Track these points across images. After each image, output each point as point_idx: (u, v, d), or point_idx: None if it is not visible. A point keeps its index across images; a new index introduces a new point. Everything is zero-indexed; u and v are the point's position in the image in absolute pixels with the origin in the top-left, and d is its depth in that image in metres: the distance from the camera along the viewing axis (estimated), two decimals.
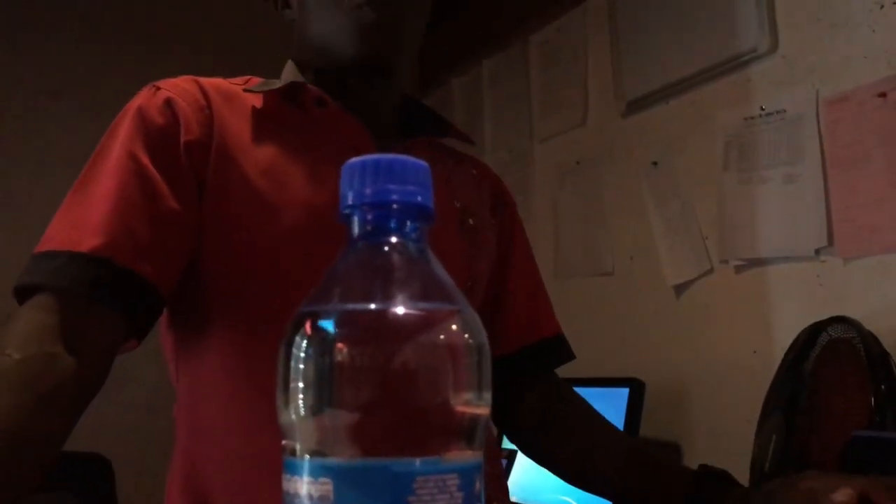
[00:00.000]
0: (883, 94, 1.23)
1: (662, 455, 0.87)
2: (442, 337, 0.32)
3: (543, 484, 1.47)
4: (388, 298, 0.32)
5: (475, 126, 2.19)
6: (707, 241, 1.53)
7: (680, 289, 1.58)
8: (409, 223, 0.35)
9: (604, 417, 0.92)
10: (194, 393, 0.76)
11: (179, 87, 0.75)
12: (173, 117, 0.73)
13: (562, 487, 1.43)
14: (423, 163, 0.35)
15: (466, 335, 0.33)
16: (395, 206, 0.35)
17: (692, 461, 1.09)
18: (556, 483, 1.47)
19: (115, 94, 0.85)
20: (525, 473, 1.53)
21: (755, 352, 1.42)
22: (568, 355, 0.96)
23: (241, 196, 0.73)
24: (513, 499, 1.50)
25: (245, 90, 0.79)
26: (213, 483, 0.72)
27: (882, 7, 1.25)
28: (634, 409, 1.43)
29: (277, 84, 0.79)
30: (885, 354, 1.04)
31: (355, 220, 0.35)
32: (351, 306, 0.33)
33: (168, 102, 0.73)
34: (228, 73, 0.83)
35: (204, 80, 0.78)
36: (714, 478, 0.79)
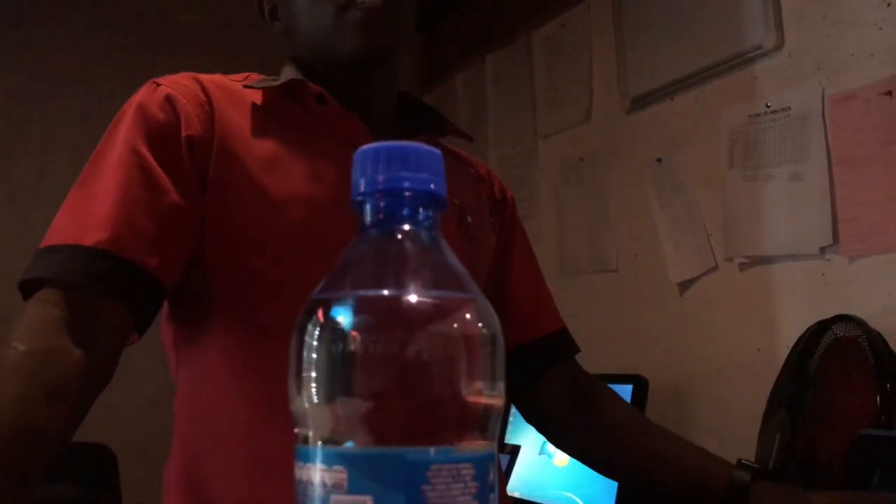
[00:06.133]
0: (889, 93, 1.23)
1: (691, 447, 0.88)
2: (456, 325, 0.32)
3: (547, 480, 1.47)
4: (401, 286, 0.32)
5: (479, 122, 2.19)
6: (711, 238, 1.52)
7: (684, 286, 1.58)
8: (421, 211, 0.35)
9: (628, 404, 0.94)
10: (195, 385, 0.76)
11: (179, 84, 0.75)
12: (174, 113, 0.73)
13: (566, 484, 1.43)
14: (436, 150, 0.35)
15: (480, 324, 0.33)
16: (407, 193, 0.34)
17: None
18: (560, 479, 1.47)
19: (119, 88, 0.85)
20: (529, 469, 1.53)
21: (759, 350, 1.41)
22: (572, 349, 0.98)
23: (242, 191, 0.73)
24: (516, 494, 1.50)
25: (245, 86, 0.79)
26: (213, 474, 0.72)
27: (889, 5, 1.24)
28: (638, 407, 1.43)
29: (277, 81, 0.80)
30: (890, 353, 1.03)
31: (367, 207, 0.35)
32: (364, 293, 0.32)
33: (168, 98, 0.73)
34: (232, 70, 0.83)
35: (204, 77, 0.78)
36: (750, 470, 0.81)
